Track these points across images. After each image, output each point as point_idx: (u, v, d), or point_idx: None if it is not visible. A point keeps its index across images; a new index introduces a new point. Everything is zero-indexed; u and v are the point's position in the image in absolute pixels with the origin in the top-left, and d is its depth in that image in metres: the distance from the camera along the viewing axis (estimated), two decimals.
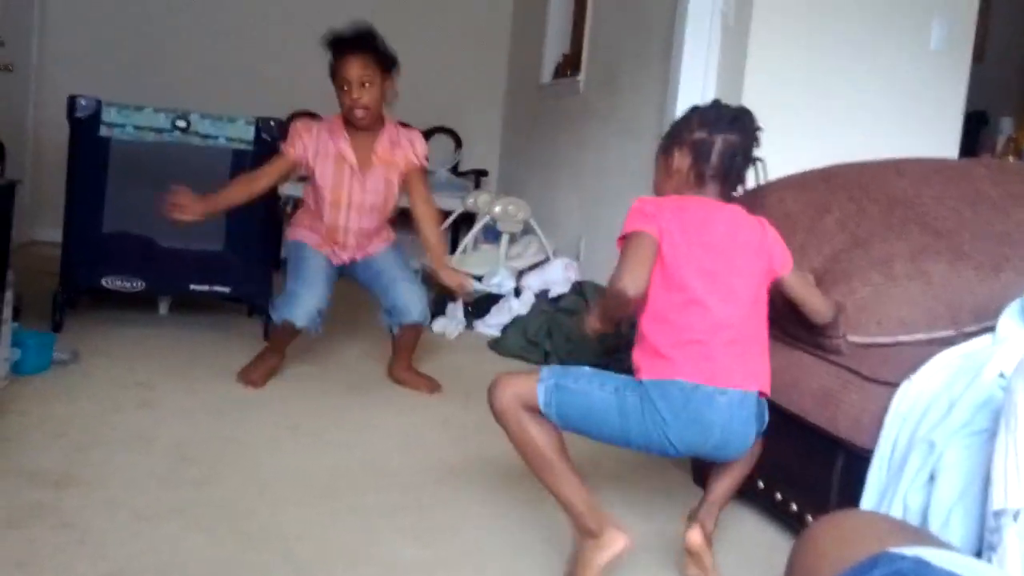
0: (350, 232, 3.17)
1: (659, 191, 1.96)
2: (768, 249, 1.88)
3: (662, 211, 1.82)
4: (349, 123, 3.14)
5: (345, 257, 3.21)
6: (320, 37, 3.17)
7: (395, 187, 3.21)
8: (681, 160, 1.90)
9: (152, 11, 6.11)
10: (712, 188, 1.89)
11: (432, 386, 3.25)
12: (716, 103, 1.96)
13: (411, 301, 3.15)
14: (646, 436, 1.77)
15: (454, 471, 2.46)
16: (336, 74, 3.11)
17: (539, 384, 1.78)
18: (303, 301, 3.03)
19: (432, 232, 3.15)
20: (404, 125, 3.36)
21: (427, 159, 3.27)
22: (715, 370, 1.76)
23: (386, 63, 3.15)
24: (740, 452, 1.83)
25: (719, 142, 1.87)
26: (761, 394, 1.82)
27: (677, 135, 1.92)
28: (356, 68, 3.08)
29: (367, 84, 3.09)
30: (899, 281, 2.08)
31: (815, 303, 1.98)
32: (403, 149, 3.19)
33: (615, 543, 1.79)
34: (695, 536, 1.84)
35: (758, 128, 1.92)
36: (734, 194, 1.94)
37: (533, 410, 1.78)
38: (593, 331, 1.93)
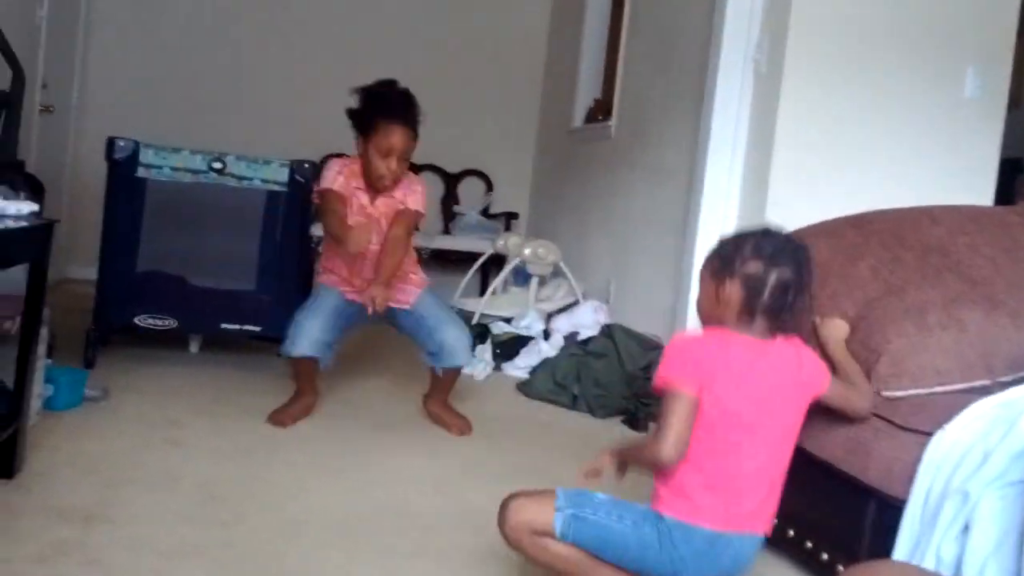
0: (366, 281, 3.16)
1: (704, 314, 1.89)
2: (806, 381, 1.85)
3: (704, 359, 1.77)
4: (364, 175, 3.16)
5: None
6: (358, 88, 3.18)
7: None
8: (732, 292, 1.80)
9: (189, 55, 6.23)
10: (760, 324, 1.82)
11: (463, 427, 3.24)
12: (770, 234, 1.86)
13: (459, 343, 3.18)
14: (660, 567, 1.77)
15: (477, 514, 2.43)
16: (377, 137, 3.09)
17: (556, 513, 1.76)
18: (305, 330, 3.05)
19: (386, 257, 3.07)
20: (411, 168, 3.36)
21: (423, 204, 3.25)
22: (740, 516, 1.77)
23: (418, 132, 3.20)
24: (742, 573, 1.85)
25: (773, 278, 1.79)
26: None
27: (729, 263, 1.82)
28: (404, 139, 3.12)
29: (406, 156, 3.14)
30: (933, 332, 2.05)
31: (854, 406, 1.97)
32: (403, 193, 3.21)
33: None
34: None
35: (812, 263, 1.86)
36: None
37: (545, 535, 1.77)
38: (596, 470, 1.85)
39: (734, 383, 1.76)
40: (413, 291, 3.25)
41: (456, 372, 3.27)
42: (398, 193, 3.20)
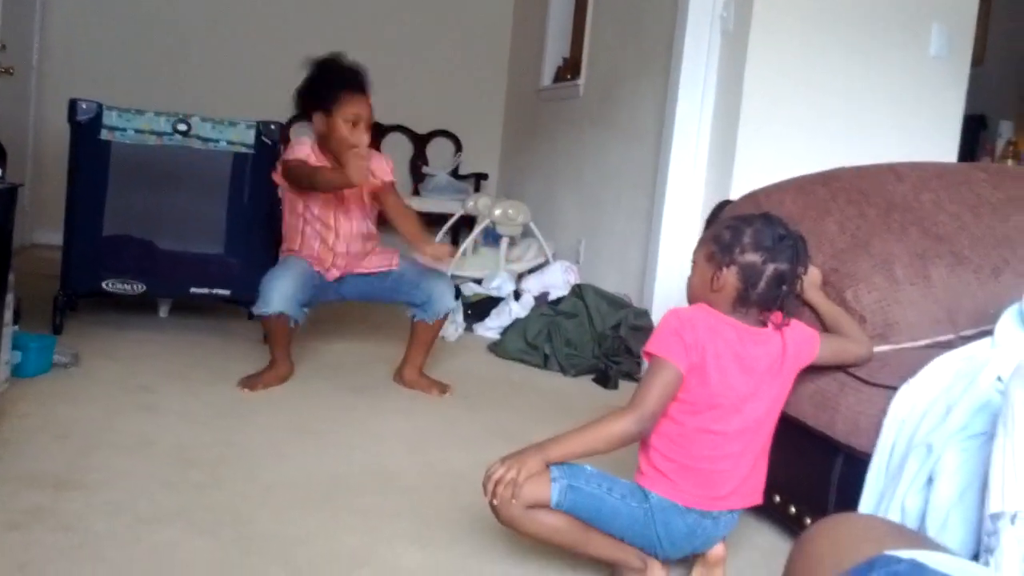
0: (338, 255, 3.20)
1: (696, 296, 1.89)
2: (793, 357, 1.86)
3: (697, 340, 1.76)
4: (327, 152, 3.13)
5: (336, 273, 3.22)
6: (310, 62, 3.16)
7: (369, 207, 3.25)
8: (728, 280, 1.81)
9: (153, 15, 6.12)
10: (753, 312, 1.84)
11: (442, 389, 3.27)
12: (770, 222, 1.84)
13: (445, 290, 3.22)
14: (642, 540, 1.82)
15: (455, 475, 2.46)
16: (343, 107, 3.06)
17: (553, 483, 1.76)
18: (275, 287, 3.02)
19: (406, 222, 3.15)
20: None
21: (391, 174, 3.27)
22: (719, 495, 1.81)
23: None
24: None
25: (770, 270, 1.80)
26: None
27: (727, 251, 1.82)
28: (366, 108, 3.11)
29: (369, 126, 3.12)
30: (903, 287, 2.08)
31: (851, 356, 1.98)
32: (373, 166, 3.16)
33: (657, 573, 1.85)
34: (719, 549, 1.90)
35: (809, 257, 1.87)
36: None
37: (536, 507, 1.77)
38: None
39: (723, 367, 1.78)
40: (392, 253, 3.27)
41: (434, 332, 3.28)
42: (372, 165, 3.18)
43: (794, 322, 1.91)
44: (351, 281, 3.25)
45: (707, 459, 1.80)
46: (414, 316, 3.25)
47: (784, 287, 1.82)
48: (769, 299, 1.82)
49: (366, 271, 3.25)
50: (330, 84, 3.10)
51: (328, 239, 3.17)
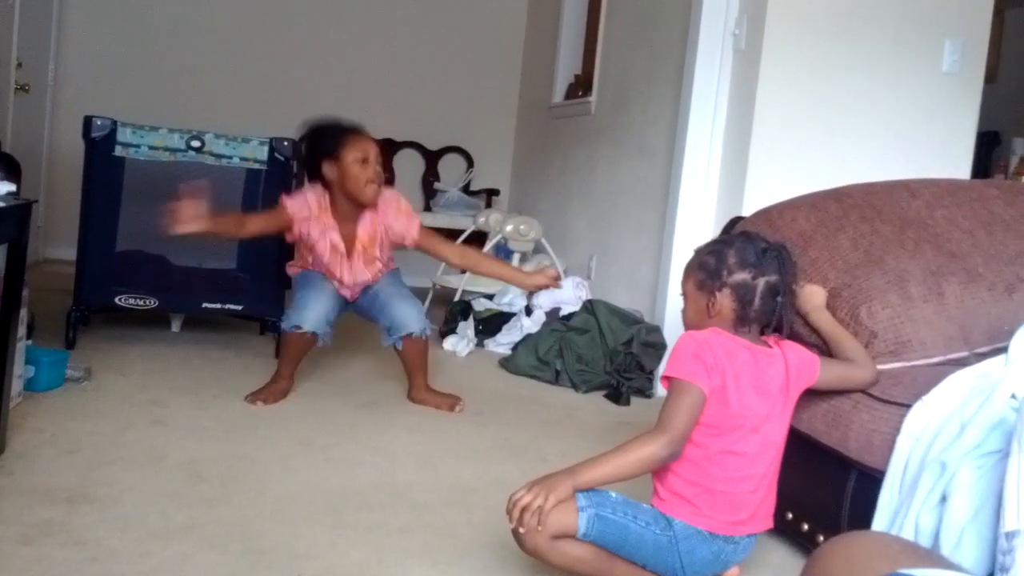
0: (346, 288, 3.25)
1: (695, 327, 1.88)
2: (795, 378, 1.86)
3: (716, 362, 1.76)
4: (334, 205, 3.17)
5: (347, 294, 3.27)
6: (305, 123, 3.22)
7: (384, 252, 3.27)
8: (723, 303, 1.82)
9: (167, 33, 6.17)
10: (754, 330, 1.84)
11: (452, 403, 3.26)
12: (750, 239, 1.86)
13: (408, 314, 3.18)
14: (664, 566, 1.80)
15: (464, 491, 2.46)
16: (350, 149, 3.09)
17: (580, 512, 1.73)
18: (311, 306, 3.09)
19: (488, 264, 3.36)
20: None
21: (409, 212, 3.29)
22: (739, 519, 1.80)
23: None
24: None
25: (762, 284, 1.81)
26: None
27: (716, 275, 1.83)
28: (372, 146, 3.14)
29: (378, 163, 3.15)
30: (916, 303, 2.07)
31: (855, 381, 1.97)
32: (390, 222, 3.22)
33: None
34: (733, 570, 1.88)
35: (793, 260, 1.87)
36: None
37: (562, 538, 1.75)
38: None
39: (741, 387, 1.77)
40: (381, 271, 3.29)
41: (419, 348, 3.25)
42: (378, 214, 3.20)
43: (793, 344, 1.91)
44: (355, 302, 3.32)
45: (729, 481, 1.78)
46: (384, 342, 3.24)
47: (779, 298, 1.82)
48: (766, 313, 1.82)
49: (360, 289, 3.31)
50: (332, 132, 3.16)
51: (334, 271, 3.23)
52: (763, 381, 1.80)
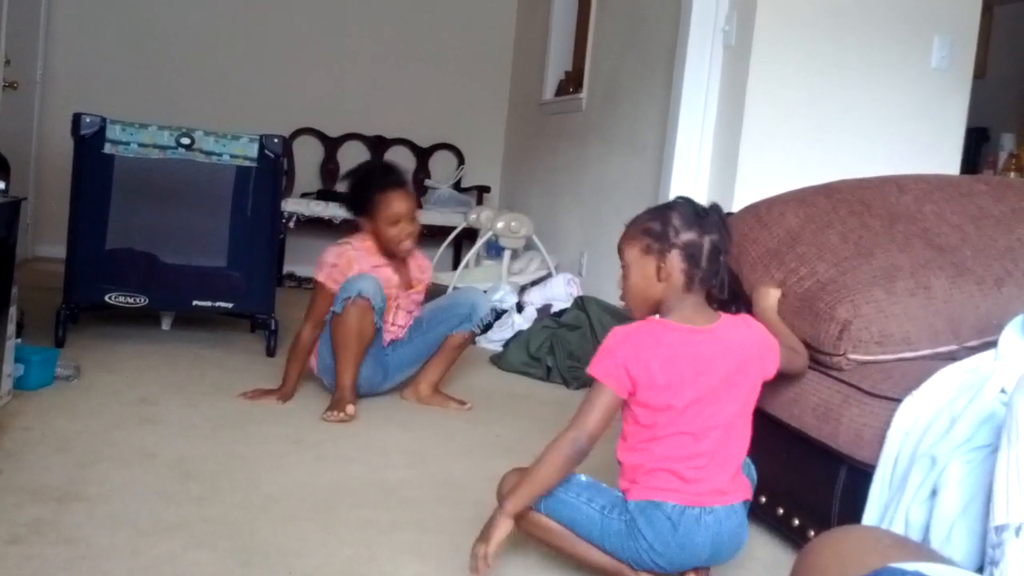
0: (392, 326, 3.27)
1: (639, 299, 1.87)
2: (757, 358, 1.86)
3: (638, 357, 1.76)
4: (380, 248, 3.19)
5: (388, 336, 3.27)
6: (347, 173, 3.31)
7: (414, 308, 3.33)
8: (673, 265, 1.80)
9: (156, 30, 6.15)
10: (700, 294, 1.83)
11: (460, 403, 3.28)
12: (688, 201, 1.86)
13: (480, 298, 3.31)
14: (633, 554, 1.80)
15: (456, 487, 2.46)
16: (381, 210, 3.12)
17: None
18: (365, 278, 3.04)
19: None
20: None
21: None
22: (699, 491, 1.78)
23: (413, 190, 3.31)
24: (733, 556, 1.88)
25: (707, 243, 1.80)
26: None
27: (663, 237, 1.81)
28: (409, 202, 3.17)
29: (414, 215, 3.19)
30: (902, 298, 2.08)
31: (795, 368, 2.04)
32: (416, 266, 3.31)
33: None
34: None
35: (729, 223, 1.90)
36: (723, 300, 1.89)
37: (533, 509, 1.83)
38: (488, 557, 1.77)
39: (672, 371, 1.76)
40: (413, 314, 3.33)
41: (466, 344, 3.34)
42: (412, 264, 3.28)
43: (755, 322, 1.92)
44: (395, 353, 3.29)
45: (675, 459, 1.78)
46: (465, 330, 3.26)
47: (720, 259, 1.82)
48: (712, 274, 1.82)
49: (396, 337, 3.29)
50: (367, 189, 3.18)
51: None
52: (700, 361, 1.78)
